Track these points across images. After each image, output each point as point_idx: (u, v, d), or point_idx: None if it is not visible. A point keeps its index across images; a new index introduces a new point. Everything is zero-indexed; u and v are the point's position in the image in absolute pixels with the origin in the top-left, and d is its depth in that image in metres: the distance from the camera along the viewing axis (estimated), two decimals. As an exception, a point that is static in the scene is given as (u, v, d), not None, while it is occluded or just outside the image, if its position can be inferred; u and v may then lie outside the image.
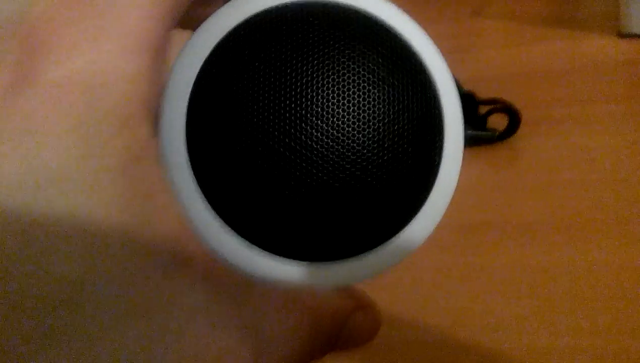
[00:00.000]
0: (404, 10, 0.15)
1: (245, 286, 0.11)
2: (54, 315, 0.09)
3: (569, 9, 0.46)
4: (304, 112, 0.12)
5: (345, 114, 0.12)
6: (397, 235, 0.13)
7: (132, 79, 0.10)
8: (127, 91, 0.10)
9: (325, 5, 0.13)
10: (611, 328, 0.21)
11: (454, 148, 0.13)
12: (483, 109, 0.34)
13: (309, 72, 0.12)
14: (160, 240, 0.10)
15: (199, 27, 0.13)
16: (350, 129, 0.12)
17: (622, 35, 0.39)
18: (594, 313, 0.22)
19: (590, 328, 0.21)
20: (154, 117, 0.13)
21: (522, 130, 0.32)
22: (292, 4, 0.13)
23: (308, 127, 0.12)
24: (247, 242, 0.12)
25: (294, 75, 0.12)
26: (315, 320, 0.12)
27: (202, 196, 0.12)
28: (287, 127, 0.12)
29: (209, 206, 0.12)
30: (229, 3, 0.13)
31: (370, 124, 0.12)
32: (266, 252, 0.12)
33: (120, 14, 0.10)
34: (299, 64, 0.12)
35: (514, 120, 0.32)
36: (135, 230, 0.10)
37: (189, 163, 0.12)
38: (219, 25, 0.13)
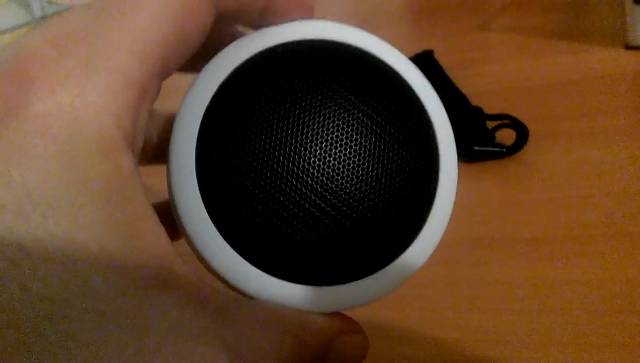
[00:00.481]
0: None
1: (230, 306, 0.12)
2: (33, 329, 0.09)
3: (575, 21, 0.46)
4: (302, 158, 0.12)
5: (340, 159, 0.13)
6: (394, 261, 0.13)
7: (116, 114, 0.11)
8: (110, 125, 0.11)
9: (323, 44, 0.14)
10: (623, 343, 0.21)
11: (448, 177, 0.14)
12: (491, 124, 0.34)
13: (308, 121, 0.13)
14: (142, 261, 0.10)
15: (199, 75, 0.14)
16: (344, 173, 0.13)
17: (629, 47, 0.39)
18: (605, 328, 0.22)
19: (602, 343, 0.22)
20: (148, 151, 0.14)
21: (530, 144, 0.32)
22: (293, 43, 0.14)
23: (306, 175, 0.12)
24: (254, 267, 0.12)
25: (292, 122, 0.13)
26: (298, 340, 0.12)
27: (214, 226, 0.12)
28: (289, 170, 0.12)
29: (218, 233, 0.12)
30: (232, 43, 0.14)
31: (363, 167, 0.13)
32: (271, 276, 0.12)
33: (109, 53, 0.11)
34: (298, 112, 0.13)
35: (522, 135, 0.32)
36: (116, 252, 0.10)
37: (201, 198, 0.12)
38: (220, 69, 0.14)
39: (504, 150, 0.32)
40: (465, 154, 0.33)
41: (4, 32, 0.39)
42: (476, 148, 0.32)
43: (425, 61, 0.43)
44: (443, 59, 0.43)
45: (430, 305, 0.25)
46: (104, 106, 0.10)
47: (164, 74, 0.12)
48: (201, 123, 0.13)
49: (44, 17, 0.42)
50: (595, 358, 0.21)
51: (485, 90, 0.40)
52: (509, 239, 0.27)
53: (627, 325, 0.22)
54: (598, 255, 0.25)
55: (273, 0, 0.13)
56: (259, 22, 0.14)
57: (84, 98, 0.10)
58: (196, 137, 0.13)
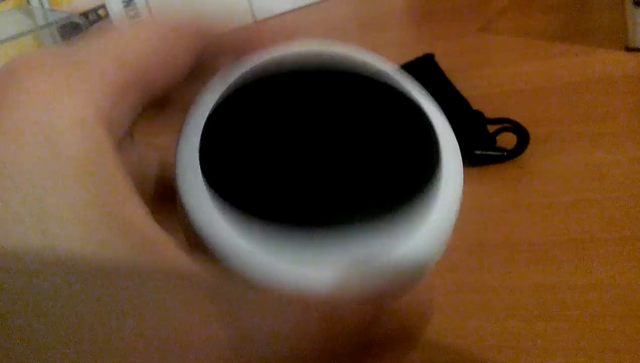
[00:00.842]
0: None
1: (232, 289, 0.11)
2: (12, 320, 0.09)
3: (576, 24, 0.46)
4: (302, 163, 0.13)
5: (339, 162, 0.13)
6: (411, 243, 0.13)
7: (95, 102, 0.11)
8: (88, 106, 0.11)
9: (317, 57, 0.15)
10: (625, 348, 0.21)
11: (454, 168, 0.15)
12: (491, 128, 0.34)
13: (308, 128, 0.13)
14: (128, 240, 0.11)
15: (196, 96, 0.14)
16: (344, 173, 0.13)
17: (629, 49, 0.39)
18: (607, 333, 0.22)
19: (603, 348, 0.22)
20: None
21: (531, 148, 0.33)
22: (294, 56, 0.14)
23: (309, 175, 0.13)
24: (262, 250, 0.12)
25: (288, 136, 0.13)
26: (330, 315, 0.12)
27: (224, 218, 0.13)
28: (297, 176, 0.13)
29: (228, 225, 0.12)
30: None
31: (363, 165, 0.13)
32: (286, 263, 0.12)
33: (89, 57, 0.12)
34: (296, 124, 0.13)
35: (523, 138, 0.32)
36: (101, 230, 0.10)
37: (211, 192, 0.13)
38: (222, 81, 0.14)
39: (505, 154, 0.32)
40: (466, 158, 0.33)
41: (7, 40, 0.39)
42: (477, 152, 0.33)
43: (426, 64, 0.43)
44: (444, 61, 0.43)
45: (432, 310, 0.25)
46: (82, 91, 0.11)
47: (146, 87, 0.13)
48: (202, 134, 0.13)
49: (47, 25, 0.43)
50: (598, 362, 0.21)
51: (485, 93, 0.40)
52: (510, 243, 0.27)
53: (629, 329, 0.22)
54: (600, 259, 0.25)
55: (250, 40, 0.15)
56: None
57: (63, 88, 0.11)
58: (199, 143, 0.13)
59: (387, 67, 0.15)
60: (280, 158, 0.13)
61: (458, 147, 0.15)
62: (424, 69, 0.43)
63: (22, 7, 0.52)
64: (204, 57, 0.14)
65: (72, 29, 0.44)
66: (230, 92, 0.14)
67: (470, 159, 0.33)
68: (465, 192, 0.34)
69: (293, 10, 0.68)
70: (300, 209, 0.13)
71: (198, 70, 0.14)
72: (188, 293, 0.10)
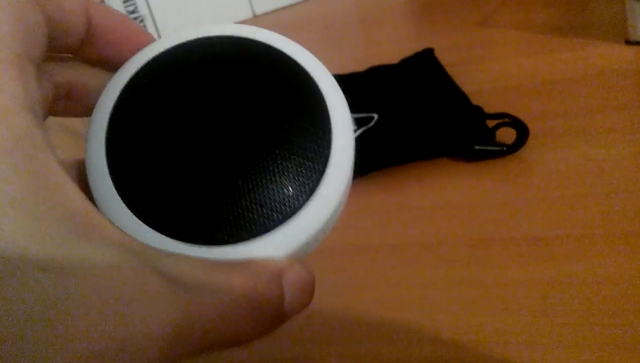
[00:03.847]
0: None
1: (161, 253, 0.13)
2: None
3: (575, 17, 0.46)
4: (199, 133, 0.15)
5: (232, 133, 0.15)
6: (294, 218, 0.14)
7: (13, 112, 0.12)
8: (12, 121, 0.12)
9: (212, 40, 0.16)
10: (624, 343, 0.21)
11: (343, 141, 0.15)
12: (491, 123, 0.34)
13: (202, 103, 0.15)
14: (58, 212, 0.11)
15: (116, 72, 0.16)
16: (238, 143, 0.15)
17: (629, 42, 0.39)
18: (606, 328, 0.22)
19: (603, 343, 0.22)
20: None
21: (531, 142, 0.33)
22: (193, 42, 0.16)
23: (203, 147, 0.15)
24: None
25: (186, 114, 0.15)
26: (250, 271, 0.13)
27: (127, 206, 0.14)
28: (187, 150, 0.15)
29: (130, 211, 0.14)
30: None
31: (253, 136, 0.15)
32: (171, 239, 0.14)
33: None
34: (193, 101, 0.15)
35: (522, 133, 0.32)
36: (30, 204, 0.11)
37: (115, 186, 0.14)
38: (133, 65, 0.16)
39: (505, 148, 0.32)
40: (466, 153, 0.33)
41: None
42: (477, 147, 0.33)
43: (425, 59, 0.43)
44: (443, 55, 0.43)
45: (430, 306, 0.25)
46: None
47: (31, 55, 0.13)
48: (109, 119, 0.15)
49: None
50: (595, 358, 0.21)
51: (485, 88, 0.40)
52: (509, 239, 0.28)
53: (629, 325, 0.22)
54: (599, 255, 0.25)
55: (95, 26, 0.15)
56: (85, 49, 0.16)
57: None
58: (106, 128, 0.15)
59: (290, 49, 0.17)
60: (176, 146, 0.14)
61: (350, 122, 0.16)
62: (424, 63, 0.43)
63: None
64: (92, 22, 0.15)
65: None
66: (130, 88, 0.16)
67: (469, 154, 0.33)
68: (464, 187, 0.34)
69: (292, 5, 0.68)
70: (197, 189, 0.14)
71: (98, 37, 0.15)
72: (123, 256, 0.12)
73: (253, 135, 0.15)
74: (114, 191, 0.14)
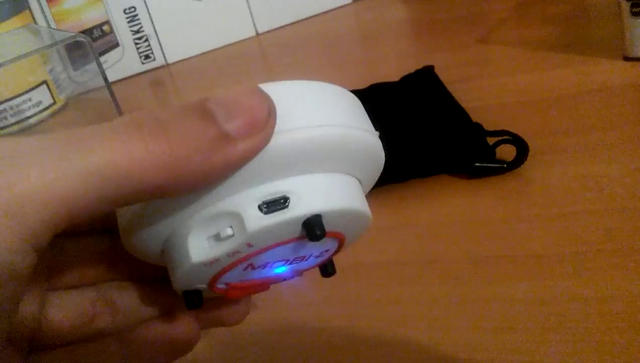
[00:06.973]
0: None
1: None
2: None
3: (574, 34, 0.47)
4: None
5: None
6: None
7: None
8: None
9: None
10: (626, 361, 0.21)
11: None
12: (491, 140, 0.34)
13: None
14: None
15: None
16: None
17: (627, 58, 0.39)
18: (607, 346, 0.22)
19: (604, 361, 0.22)
20: None
21: (531, 159, 0.33)
22: None
23: None
24: None
25: None
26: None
27: None
28: None
29: None
30: None
31: None
32: None
33: None
34: None
35: (522, 150, 0.33)
36: None
37: None
38: None
39: (505, 166, 0.33)
40: (467, 171, 0.34)
41: (15, 59, 0.40)
42: (477, 164, 0.33)
43: (426, 76, 0.44)
44: (444, 72, 0.44)
45: (431, 323, 0.25)
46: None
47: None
48: None
49: (54, 44, 0.44)
50: (597, 375, 0.21)
51: (485, 105, 0.40)
52: (510, 256, 0.28)
53: (631, 342, 0.22)
54: (600, 272, 0.25)
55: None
56: None
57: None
58: None
59: None
60: None
61: None
62: (424, 80, 0.43)
63: (29, 26, 0.53)
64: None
65: (78, 47, 0.45)
66: None
67: (470, 172, 0.33)
68: (465, 204, 0.34)
69: (294, 23, 0.69)
70: None
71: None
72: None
73: None
74: None
